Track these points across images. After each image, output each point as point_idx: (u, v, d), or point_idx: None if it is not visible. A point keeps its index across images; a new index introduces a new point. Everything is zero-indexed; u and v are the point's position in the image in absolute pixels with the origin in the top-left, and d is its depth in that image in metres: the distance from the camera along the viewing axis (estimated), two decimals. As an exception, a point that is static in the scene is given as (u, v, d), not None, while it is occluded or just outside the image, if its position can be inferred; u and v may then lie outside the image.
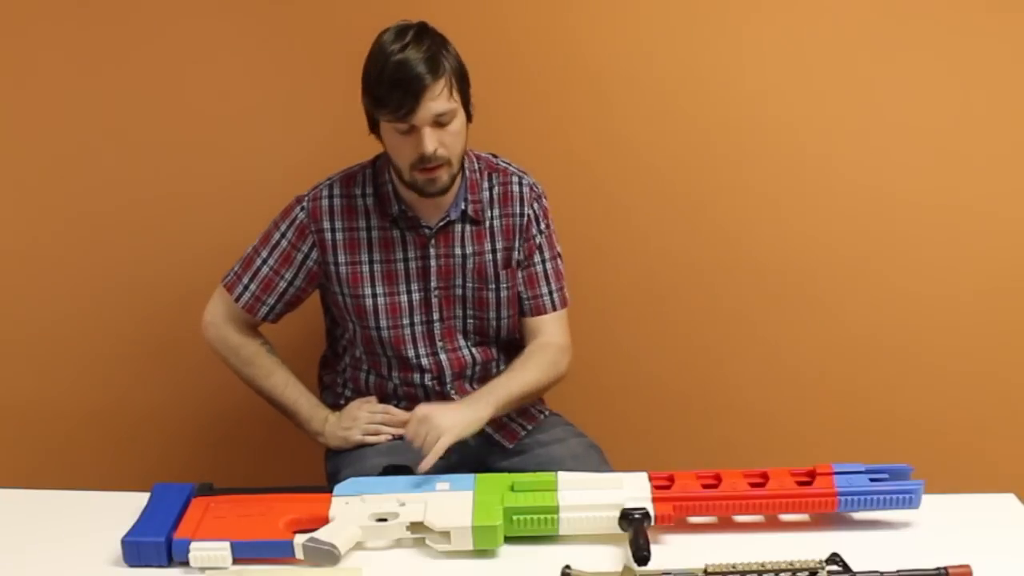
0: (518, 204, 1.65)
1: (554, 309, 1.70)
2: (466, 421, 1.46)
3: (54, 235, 2.04)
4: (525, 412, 1.73)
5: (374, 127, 1.54)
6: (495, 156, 1.69)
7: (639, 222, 2.03)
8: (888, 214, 2.00)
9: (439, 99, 1.44)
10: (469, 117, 1.54)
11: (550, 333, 1.68)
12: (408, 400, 1.67)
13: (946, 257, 2.02)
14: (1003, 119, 1.94)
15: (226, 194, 2.01)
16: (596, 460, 1.67)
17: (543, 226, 1.68)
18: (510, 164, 1.69)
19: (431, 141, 1.45)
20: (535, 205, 1.67)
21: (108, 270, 2.05)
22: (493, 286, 1.65)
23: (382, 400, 1.68)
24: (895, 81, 1.93)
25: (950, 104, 1.94)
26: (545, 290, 1.69)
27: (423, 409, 1.44)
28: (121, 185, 2.01)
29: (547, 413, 1.76)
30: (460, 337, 1.67)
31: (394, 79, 1.42)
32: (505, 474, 1.32)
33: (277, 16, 1.93)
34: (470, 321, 1.66)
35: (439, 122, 1.46)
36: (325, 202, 1.59)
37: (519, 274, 1.67)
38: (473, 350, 1.67)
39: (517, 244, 1.66)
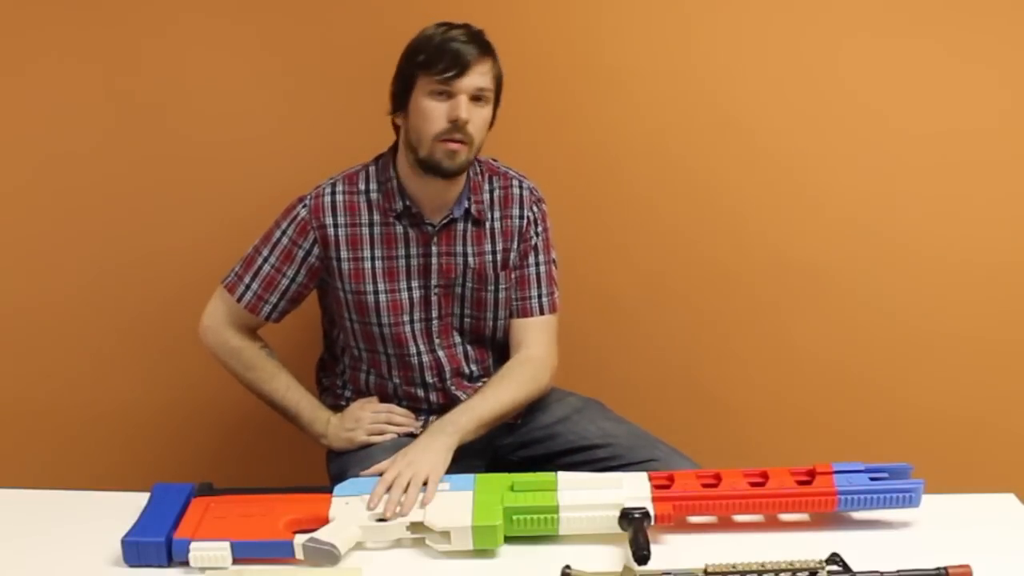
0: (518, 206, 1.66)
1: (541, 313, 1.68)
2: (442, 457, 1.43)
3: (54, 235, 2.03)
4: None
5: (400, 105, 1.55)
6: (495, 160, 1.70)
7: (640, 224, 2.03)
8: (888, 214, 2.00)
9: (484, 76, 1.50)
10: (493, 120, 1.57)
11: (534, 344, 1.66)
12: (409, 400, 1.68)
13: (946, 257, 2.02)
14: (1001, 122, 1.94)
15: (226, 195, 2.01)
16: (598, 408, 1.70)
17: (540, 229, 1.69)
18: (510, 168, 1.70)
19: (466, 110, 1.48)
20: (535, 208, 1.68)
21: (109, 270, 2.05)
22: (492, 287, 1.65)
23: (383, 400, 1.68)
24: (896, 80, 1.93)
25: (948, 105, 1.94)
26: (535, 292, 1.69)
27: (401, 458, 1.40)
28: (118, 186, 2.00)
29: None
30: (456, 334, 1.67)
31: (447, 45, 1.48)
32: (505, 474, 1.32)
33: (279, 15, 1.93)
34: (467, 320, 1.67)
35: (476, 98, 1.50)
36: (327, 199, 1.60)
37: (512, 275, 1.67)
38: (468, 347, 1.68)
39: (515, 245, 1.66)
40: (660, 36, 1.93)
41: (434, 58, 1.48)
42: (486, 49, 1.52)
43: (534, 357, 1.65)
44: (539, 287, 1.68)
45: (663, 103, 1.96)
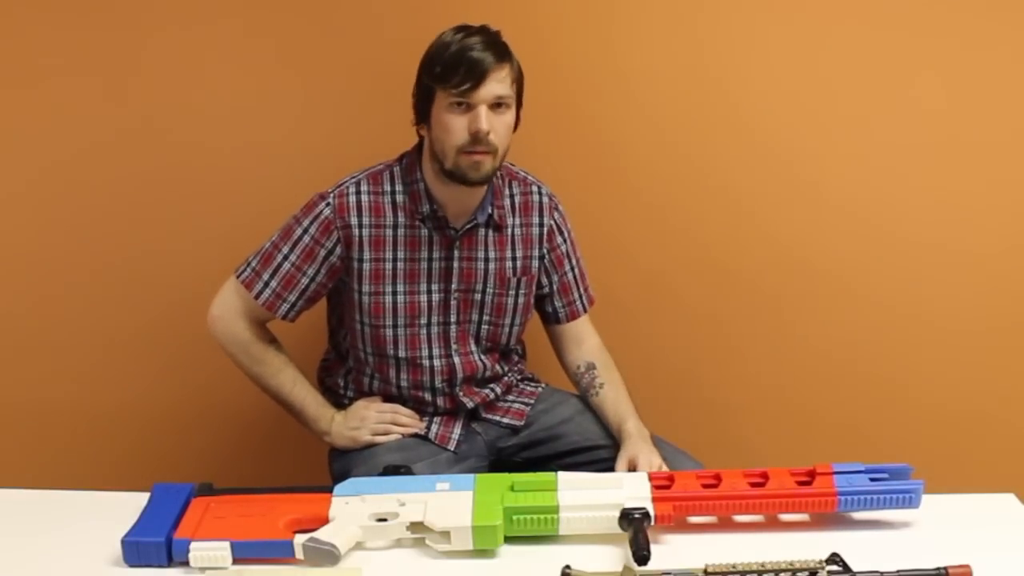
0: (538, 214, 1.67)
1: (585, 311, 1.76)
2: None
3: (57, 235, 2.03)
4: (523, 392, 1.76)
5: (422, 117, 1.54)
6: (512, 164, 1.70)
7: (641, 223, 2.03)
8: (888, 214, 2.00)
9: (503, 83, 1.49)
10: (517, 121, 1.56)
11: (591, 334, 1.76)
12: (415, 402, 1.68)
13: (946, 257, 2.02)
14: (1000, 124, 1.94)
15: (229, 197, 2.01)
16: None
17: (566, 234, 1.71)
18: (528, 173, 1.70)
19: (486, 120, 1.47)
20: (555, 214, 1.69)
21: (109, 269, 2.05)
22: (513, 292, 1.66)
23: (387, 402, 1.68)
24: (902, 78, 1.93)
25: (945, 107, 1.94)
26: (576, 295, 1.74)
27: (643, 445, 1.53)
28: (123, 186, 2.01)
29: (543, 386, 1.79)
30: (472, 342, 1.67)
31: (462, 55, 1.46)
32: (505, 474, 1.32)
33: (289, 12, 1.93)
34: (484, 327, 1.67)
35: (496, 105, 1.49)
36: (352, 198, 1.58)
37: (553, 283, 1.70)
38: (483, 356, 1.68)
39: (536, 253, 1.67)
40: (667, 35, 1.93)
41: (450, 71, 1.46)
42: (503, 55, 1.49)
43: (599, 345, 1.76)
44: (578, 289, 1.74)
45: (667, 103, 1.96)
